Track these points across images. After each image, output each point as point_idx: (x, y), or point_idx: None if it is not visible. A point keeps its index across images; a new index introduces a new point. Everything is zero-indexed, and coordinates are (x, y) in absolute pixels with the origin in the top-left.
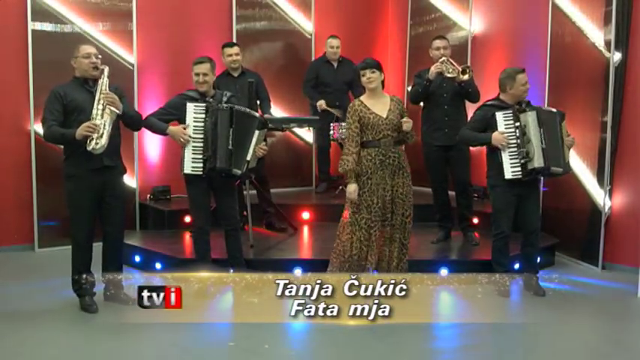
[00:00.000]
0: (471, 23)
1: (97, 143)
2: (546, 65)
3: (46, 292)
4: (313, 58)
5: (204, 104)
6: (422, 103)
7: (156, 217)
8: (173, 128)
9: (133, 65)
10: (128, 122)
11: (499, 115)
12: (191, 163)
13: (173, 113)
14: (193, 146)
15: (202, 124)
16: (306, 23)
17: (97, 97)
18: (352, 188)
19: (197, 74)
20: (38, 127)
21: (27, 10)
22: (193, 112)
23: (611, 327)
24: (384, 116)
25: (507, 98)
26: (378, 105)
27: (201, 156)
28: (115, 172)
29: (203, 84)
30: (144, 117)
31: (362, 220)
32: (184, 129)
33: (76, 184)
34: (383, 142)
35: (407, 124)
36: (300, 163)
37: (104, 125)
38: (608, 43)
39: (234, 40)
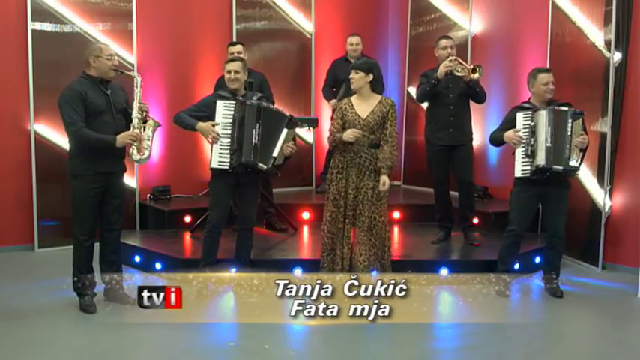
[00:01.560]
0: (471, 23)
1: (143, 154)
2: (546, 65)
3: (46, 292)
4: (313, 59)
5: (233, 102)
6: (426, 103)
7: (156, 217)
8: (202, 124)
9: (133, 65)
10: None
11: (519, 115)
12: (218, 158)
13: (204, 111)
14: (221, 142)
15: (231, 121)
16: (306, 23)
17: (135, 107)
18: (349, 132)
19: (229, 71)
20: (38, 127)
21: (27, 10)
22: (223, 108)
23: (612, 327)
24: (363, 117)
25: (533, 98)
26: (363, 105)
27: (228, 151)
28: (116, 172)
29: (234, 81)
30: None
31: (327, 213)
32: (213, 126)
33: (81, 184)
34: (356, 141)
35: (383, 187)
36: (300, 163)
37: (149, 137)
38: (608, 43)
39: (235, 40)
